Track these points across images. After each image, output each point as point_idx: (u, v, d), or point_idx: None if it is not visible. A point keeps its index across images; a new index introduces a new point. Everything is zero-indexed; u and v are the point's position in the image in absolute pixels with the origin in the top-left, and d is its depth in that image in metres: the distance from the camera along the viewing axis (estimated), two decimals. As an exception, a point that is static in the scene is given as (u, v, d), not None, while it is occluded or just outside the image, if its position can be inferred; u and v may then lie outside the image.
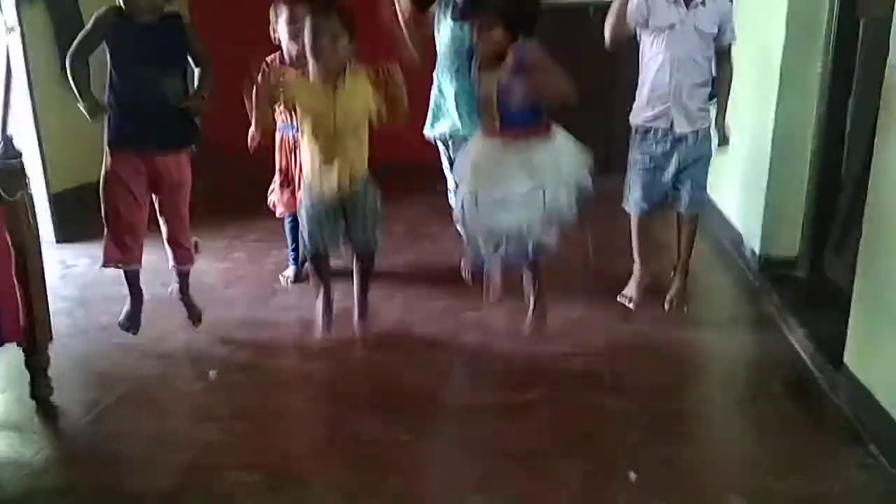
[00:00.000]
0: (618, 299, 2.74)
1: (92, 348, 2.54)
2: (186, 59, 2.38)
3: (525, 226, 2.29)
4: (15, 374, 2.22)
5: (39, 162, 3.52)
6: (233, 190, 4.22)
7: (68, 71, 2.26)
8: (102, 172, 2.32)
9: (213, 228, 3.76)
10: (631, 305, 2.69)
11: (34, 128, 3.51)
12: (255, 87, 2.26)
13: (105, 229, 2.35)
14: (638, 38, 2.56)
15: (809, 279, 2.81)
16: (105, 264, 2.38)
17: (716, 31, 2.45)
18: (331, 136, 2.29)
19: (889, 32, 1.88)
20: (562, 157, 2.29)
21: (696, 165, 2.56)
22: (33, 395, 2.18)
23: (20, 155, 2.09)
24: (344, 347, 2.53)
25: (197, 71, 2.41)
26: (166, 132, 2.33)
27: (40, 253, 2.17)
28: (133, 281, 2.45)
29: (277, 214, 3.03)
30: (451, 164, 2.77)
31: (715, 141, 2.60)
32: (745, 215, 3.20)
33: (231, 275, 3.22)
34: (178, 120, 2.35)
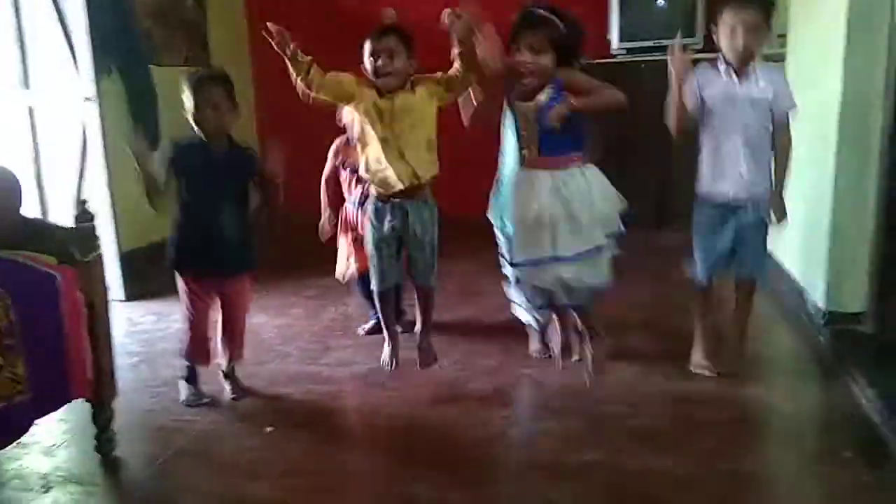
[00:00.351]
0: (693, 370, 2.64)
1: (154, 403, 2.62)
2: (249, 191, 2.48)
3: (571, 275, 2.28)
4: (81, 428, 2.30)
5: (112, 223, 3.70)
6: (290, 247, 4.33)
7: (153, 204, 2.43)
8: (180, 286, 2.53)
9: (271, 285, 3.87)
10: (708, 373, 2.61)
11: (108, 191, 3.70)
12: (325, 182, 2.38)
13: (185, 327, 2.57)
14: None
15: (877, 335, 2.70)
16: (185, 358, 2.61)
17: (769, 98, 2.44)
18: (389, 141, 2.38)
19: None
20: (594, 192, 2.28)
21: (754, 231, 2.53)
22: (98, 450, 2.25)
23: (93, 218, 2.21)
24: (397, 403, 2.54)
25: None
26: (224, 260, 2.48)
27: (109, 311, 2.26)
28: (193, 373, 2.64)
29: (346, 278, 3.14)
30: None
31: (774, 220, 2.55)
32: (807, 269, 3.11)
33: (288, 331, 3.29)
34: (237, 247, 2.49)
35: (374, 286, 2.57)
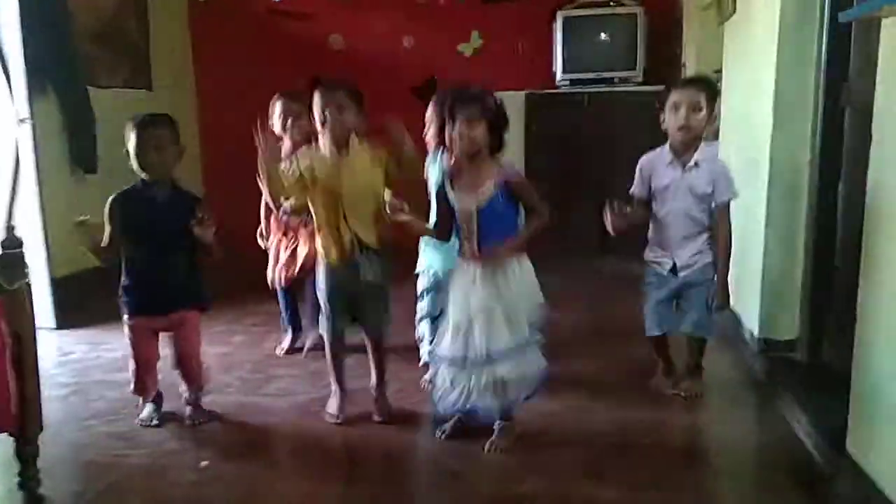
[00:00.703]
0: (672, 394, 2.71)
1: (84, 437, 2.51)
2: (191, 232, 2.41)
3: (506, 371, 2.24)
4: (4, 463, 2.18)
5: (44, 248, 3.58)
6: (231, 275, 4.25)
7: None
8: (126, 328, 2.51)
9: (212, 313, 3.76)
10: (684, 394, 2.70)
11: (40, 214, 3.58)
12: (261, 157, 2.41)
13: (132, 370, 2.55)
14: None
15: (810, 363, 2.78)
16: (134, 393, 2.60)
17: (710, 190, 2.56)
18: (338, 203, 2.43)
19: (872, 120, 1.93)
20: (525, 285, 2.30)
21: (697, 289, 2.62)
22: (21, 487, 2.14)
23: (21, 244, 2.12)
24: (338, 433, 2.50)
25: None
26: (173, 300, 2.50)
27: (35, 341, 2.17)
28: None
29: (275, 286, 3.22)
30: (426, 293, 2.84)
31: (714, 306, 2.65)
32: (742, 298, 3.19)
33: (228, 360, 3.21)
34: (185, 288, 2.51)
35: (325, 336, 2.59)
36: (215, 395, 2.79)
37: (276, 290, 3.26)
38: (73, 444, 2.46)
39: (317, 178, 2.43)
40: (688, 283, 2.63)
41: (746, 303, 3.11)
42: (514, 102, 4.53)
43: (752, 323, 3.03)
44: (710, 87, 2.61)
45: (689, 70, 4.40)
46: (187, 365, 2.59)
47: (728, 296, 2.65)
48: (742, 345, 3.13)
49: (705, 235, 2.62)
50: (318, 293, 2.59)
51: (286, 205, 2.98)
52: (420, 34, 5.39)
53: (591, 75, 4.75)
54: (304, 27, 5.44)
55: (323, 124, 2.42)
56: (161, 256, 2.43)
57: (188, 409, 2.62)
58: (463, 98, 2.22)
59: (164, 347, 2.58)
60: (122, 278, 2.48)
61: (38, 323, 2.20)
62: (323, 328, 2.62)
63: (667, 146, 2.63)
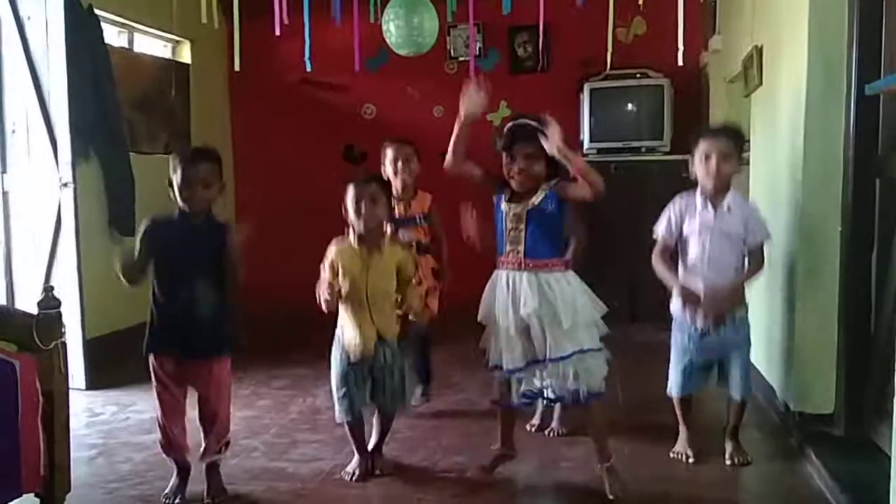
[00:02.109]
0: (671, 455, 2.70)
1: (108, 500, 2.50)
2: (224, 267, 2.41)
3: (558, 378, 2.34)
4: (29, 525, 2.18)
5: (79, 310, 3.64)
6: (259, 338, 4.29)
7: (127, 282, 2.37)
8: (153, 374, 2.43)
9: (240, 375, 3.79)
10: (690, 461, 2.68)
11: (77, 276, 3.66)
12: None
13: (158, 419, 2.46)
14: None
15: (848, 438, 2.69)
16: (163, 451, 2.49)
17: (742, 231, 2.58)
18: (362, 301, 2.52)
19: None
20: (577, 296, 2.34)
21: (737, 351, 2.63)
22: (45, 549, 2.13)
23: (59, 305, 2.17)
24: (361, 502, 2.47)
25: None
26: (199, 340, 2.39)
27: (68, 402, 2.20)
28: (180, 463, 2.50)
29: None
30: None
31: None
32: (777, 370, 3.13)
33: (255, 423, 3.20)
34: (212, 326, 2.40)
35: (340, 418, 2.61)
36: (241, 460, 2.77)
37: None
38: (98, 508, 2.45)
39: (344, 269, 2.53)
40: (726, 344, 2.61)
41: (780, 374, 3.05)
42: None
43: (786, 395, 2.96)
44: (738, 136, 2.65)
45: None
46: (212, 420, 2.45)
47: (742, 300, 2.65)
48: (777, 417, 3.05)
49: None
50: (332, 372, 2.62)
51: None
52: (450, 104, 5.50)
53: (618, 144, 4.80)
54: (337, 97, 5.61)
55: (357, 216, 2.51)
56: (190, 288, 2.35)
57: (206, 482, 2.48)
58: (522, 133, 2.29)
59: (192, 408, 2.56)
60: (149, 316, 2.40)
61: (70, 384, 2.23)
62: (338, 405, 2.61)
63: (698, 191, 2.64)
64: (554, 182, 2.34)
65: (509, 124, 2.38)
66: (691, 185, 2.66)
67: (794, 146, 2.88)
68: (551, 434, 2.94)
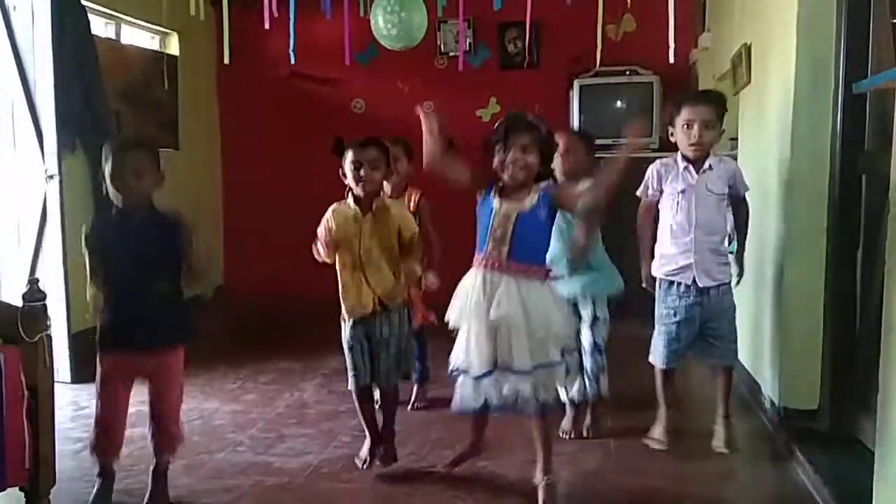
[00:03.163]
0: (643, 441, 2.73)
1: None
2: (178, 260, 2.30)
3: (525, 388, 2.23)
4: (13, 519, 2.17)
5: (64, 302, 3.61)
6: (246, 332, 4.27)
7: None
8: (97, 370, 2.30)
9: (226, 370, 3.78)
10: (658, 447, 2.71)
11: (63, 269, 3.62)
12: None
13: (94, 420, 2.33)
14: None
15: (832, 433, 2.72)
16: (91, 452, 2.35)
17: (727, 189, 2.64)
18: (356, 262, 2.51)
19: (889, 188, 1.94)
20: (553, 308, 2.26)
21: (722, 318, 2.66)
22: (30, 543, 2.11)
23: (44, 297, 2.16)
24: (349, 496, 2.47)
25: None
26: (154, 332, 2.28)
27: (53, 395, 2.18)
28: (107, 468, 2.37)
29: None
30: None
31: (734, 281, 2.73)
32: (761, 365, 3.16)
33: (241, 418, 3.19)
34: (168, 318, 2.31)
35: (350, 385, 2.60)
36: (227, 454, 2.76)
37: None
38: (83, 501, 2.43)
39: (336, 231, 2.50)
40: (713, 311, 2.63)
41: (766, 370, 3.07)
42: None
43: (771, 390, 2.98)
44: (720, 103, 2.64)
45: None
46: (161, 416, 2.33)
47: (742, 271, 2.72)
48: (762, 412, 3.07)
49: (725, 246, 2.65)
50: (343, 345, 2.60)
51: None
52: (440, 99, 5.50)
53: (607, 141, 4.80)
54: (326, 91, 5.59)
55: (356, 180, 2.50)
56: (140, 285, 2.23)
57: (150, 485, 2.35)
58: (518, 124, 2.25)
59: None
60: (100, 316, 2.29)
61: (55, 377, 2.21)
62: (349, 380, 2.60)
63: (678, 155, 2.67)
64: (546, 184, 2.30)
65: (503, 117, 2.35)
66: (670, 131, 2.70)
67: (782, 143, 2.90)
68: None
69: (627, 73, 4.86)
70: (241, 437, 2.96)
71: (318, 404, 3.34)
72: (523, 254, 2.23)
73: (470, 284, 2.29)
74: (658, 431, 2.75)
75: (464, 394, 2.33)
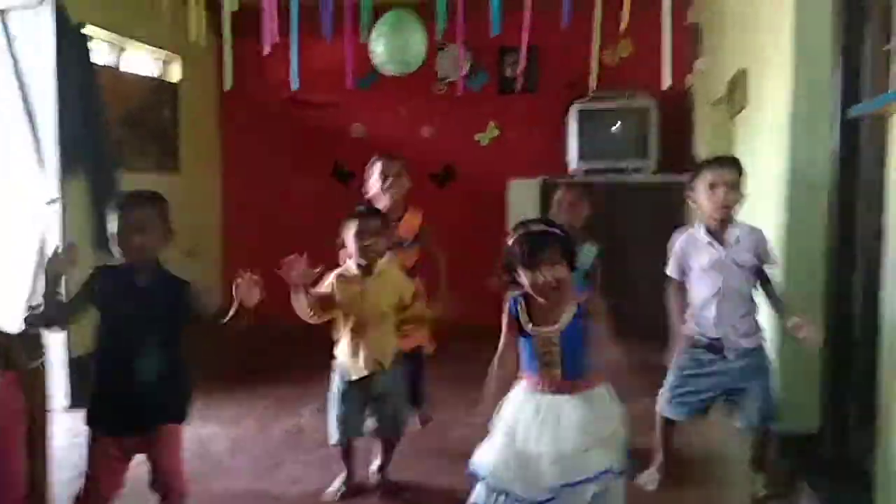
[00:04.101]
0: (637, 482, 2.63)
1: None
2: (178, 329, 2.16)
3: None
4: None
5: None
6: (244, 356, 4.26)
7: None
8: (87, 444, 2.14)
9: (223, 395, 3.76)
10: (651, 487, 2.64)
11: (64, 294, 3.61)
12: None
13: (82, 484, 2.15)
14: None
15: (834, 457, 2.70)
16: None
17: (756, 262, 2.52)
18: (360, 322, 2.55)
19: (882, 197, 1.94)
20: (605, 413, 2.08)
21: (756, 379, 2.54)
22: (23, 572, 2.08)
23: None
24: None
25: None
26: (143, 409, 2.10)
27: (48, 422, 2.17)
28: None
29: None
30: None
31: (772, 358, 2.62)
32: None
33: (238, 444, 3.17)
34: (166, 393, 2.13)
35: (332, 440, 2.62)
36: (224, 481, 2.74)
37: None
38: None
39: (341, 300, 2.55)
40: (746, 373, 2.53)
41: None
42: (529, 189, 4.64)
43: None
44: (740, 166, 2.59)
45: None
46: (164, 477, 2.17)
47: (812, 335, 2.43)
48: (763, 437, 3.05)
49: (754, 316, 2.56)
50: (330, 393, 2.63)
51: None
52: (439, 124, 5.55)
53: (604, 164, 4.83)
54: (326, 116, 5.62)
55: (360, 251, 2.53)
56: (133, 352, 2.07)
57: None
58: (539, 243, 2.05)
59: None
60: (92, 382, 2.13)
61: (52, 402, 2.20)
62: (333, 427, 2.61)
63: (700, 227, 2.59)
64: (582, 299, 2.10)
65: (517, 236, 2.09)
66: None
67: (778, 167, 2.91)
68: None
69: (625, 96, 4.89)
70: (238, 464, 2.94)
71: (315, 431, 3.30)
72: (577, 367, 2.08)
73: (523, 403, 2.09)
74: (649, 475, 2.68)
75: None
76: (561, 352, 2.06)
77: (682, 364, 2.60)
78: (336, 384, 2.61)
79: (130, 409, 2.08)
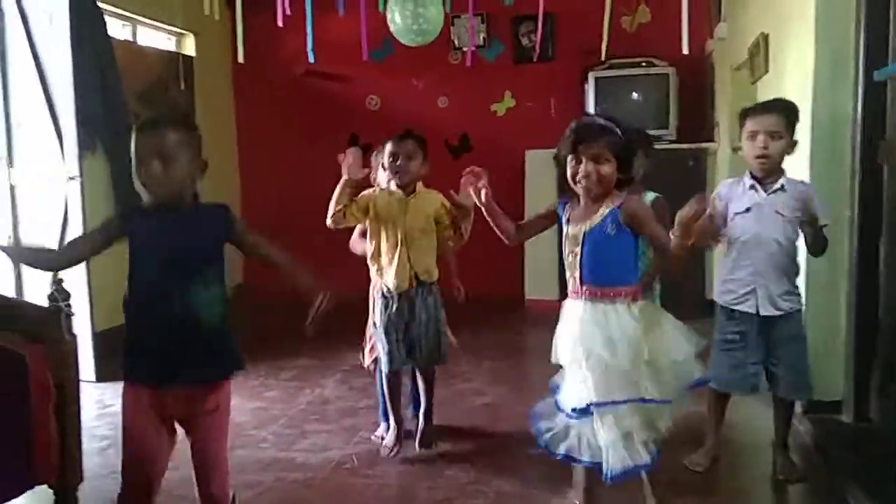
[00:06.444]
0: (685, 463, 2.55)
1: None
2: (223, 262, 1.86)
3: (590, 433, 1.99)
4: (42, 516, 2.20)
5: (88, 302, 3.66)
6: (266, 329, 4.30)
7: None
8: (122, 407, 1.86)
9: (247, 367, 3.80)
10: (698, 469, 2.53)
11: (86, 269, 3.67)
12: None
13: (122, 475, 1.93)
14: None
15: (857, 425, 2.70)
16: None
17: (798, 215, 2.34)
18: (399, 239, 2.62)
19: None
20: (642, 335, 1.99)
21: (789, 347, 2.42)
22: (59, 539, 2.14)
23: (68, 297, 2.19)
24: (371, 491, 2.48)
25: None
26: (196, 363, 1.79)
27: (78, 394, 2.21)
28: None
29: (366, 365, 2.91)
30: None
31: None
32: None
33: (263, 414, 3.22)
34: (214, 343, 1.82)
35: (382, 368, 2.68)
36: (250, 450, 2.79)
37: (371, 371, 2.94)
38: (110, 499, 2.46)
39: (379, 212, 2.62)
40: (780, 340, 2.41)
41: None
42: (547, 159, 4.60)
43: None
44: (789, 112, 2.42)
45: (722, 128, 4.43)
46: (210, 467, 1.90)
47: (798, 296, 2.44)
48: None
49: (795, 271, 2.42)
50: (374, 326, 2.70)
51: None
52: (455, 94, 5.52)
53: (623, 133, 4.79)
54: (342, 88, 5.61)
55: (394, 171, 2.61)
56: (174, 297, 1.75)
57: None
58: (588, 133, 1.99)
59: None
60: (126, 331, 1.84)
61: (80, 375, 2.24)
62: (382, 363, 2.68)
63: (746, 174, 2.45)
64: (620, 202, 2.01)
65: (572, 124, 2.05)
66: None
67: (802, 133, 2.86)
68: None
69: (643, 64, 4.83)
70: (263, 434, 2.99)
71: (338, 400, 3.36)
72: (596, 275, 2.00)
73: (563, 317, 2.11)
74: (700, 455, 2.56)
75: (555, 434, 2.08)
76: (581, 255, 2.02)
77: (720, 341, 2.48)
78: (377, 315, 2.66)
79: (176, 360, 1.77)
